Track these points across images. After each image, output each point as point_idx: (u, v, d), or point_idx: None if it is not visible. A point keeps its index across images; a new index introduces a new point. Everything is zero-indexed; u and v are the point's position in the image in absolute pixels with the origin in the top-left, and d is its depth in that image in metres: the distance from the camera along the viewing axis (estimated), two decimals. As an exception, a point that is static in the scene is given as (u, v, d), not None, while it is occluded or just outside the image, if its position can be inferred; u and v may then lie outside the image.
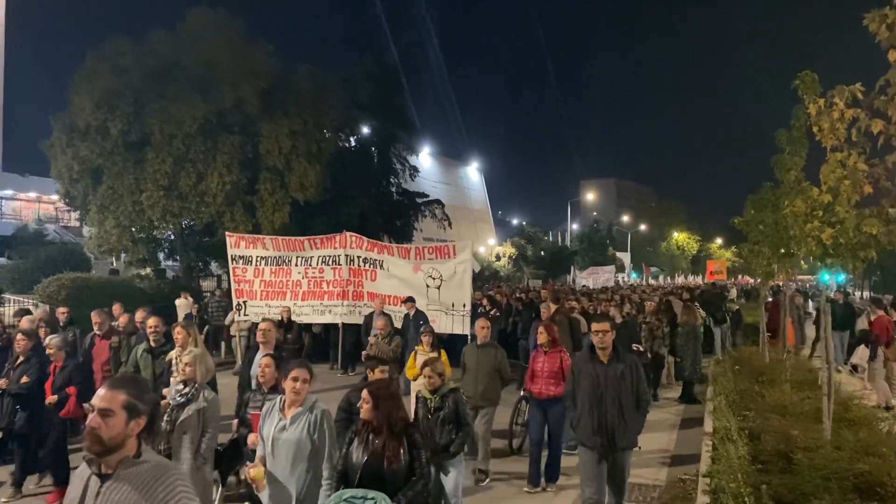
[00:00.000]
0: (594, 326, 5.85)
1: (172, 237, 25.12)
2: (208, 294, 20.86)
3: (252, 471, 4.64)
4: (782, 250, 10.22)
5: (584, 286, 37.09)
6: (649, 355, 12.31)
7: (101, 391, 2.53)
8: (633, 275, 71.20)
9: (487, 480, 7.73)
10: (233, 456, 6.21)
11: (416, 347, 8.54)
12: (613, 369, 5.70)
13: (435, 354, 7.42)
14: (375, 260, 14.59)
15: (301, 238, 15.40)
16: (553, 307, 11.02)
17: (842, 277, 22.46)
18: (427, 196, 35.95)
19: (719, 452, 6.87)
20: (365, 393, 4.43)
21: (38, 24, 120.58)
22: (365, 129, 31.92)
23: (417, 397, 6.10)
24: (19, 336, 7.62)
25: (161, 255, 26.07)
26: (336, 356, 15.35)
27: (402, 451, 4.23)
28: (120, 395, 2.50)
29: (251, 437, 5.44)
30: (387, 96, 31.66)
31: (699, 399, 12.30)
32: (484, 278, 43.57)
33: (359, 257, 14.63)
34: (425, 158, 62.32)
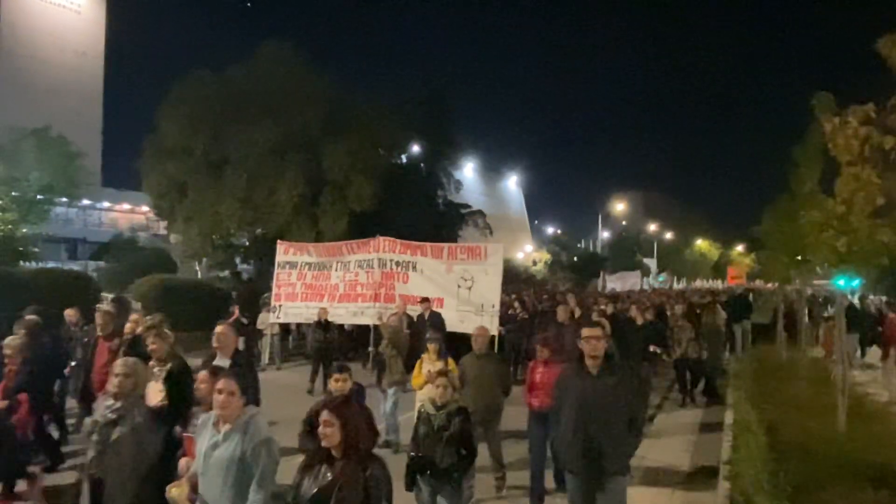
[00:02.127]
0: (584, 332, 4.68)
1: (247, 243, 25.74)
2: None
3: (174, 490, 3.81)
4: (798, 257, 9.99)
5: (612, 289, 36.62)
6: (665, 358, 11.29)
7: None
8: (661, 278, 69.85)
9: (504, 490, 6.78)
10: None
11: (423, 355, 7.38)
12: (603, 382, 4.54)
13: (441, 364, 6.56)
14: (408, 262, 13.83)
15: (340, 243, 15.14)
16: (569, 311, 9.90)
17: (857, 282, 21.62)
18: (470, 207, 35.96)
19: (740, 442, 6.74)
20: (327, 414, 3.33)
21: (132, 54, 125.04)
22: (415, 148, 32.17)
23: (420, 413, 5.15)
24: None
25: (237, 260, 26.73)
26: (366, 355, 14.63)
27: (359, 483, 3.26)
28: None
29: (183, 461, 4.56)
30: (434, 118, 31.77)
31: (721, 392, 12.04)
32: (519, 281, 43.26)
33: (391, 260, 13.98)
34: (468, 172, 62.37)
